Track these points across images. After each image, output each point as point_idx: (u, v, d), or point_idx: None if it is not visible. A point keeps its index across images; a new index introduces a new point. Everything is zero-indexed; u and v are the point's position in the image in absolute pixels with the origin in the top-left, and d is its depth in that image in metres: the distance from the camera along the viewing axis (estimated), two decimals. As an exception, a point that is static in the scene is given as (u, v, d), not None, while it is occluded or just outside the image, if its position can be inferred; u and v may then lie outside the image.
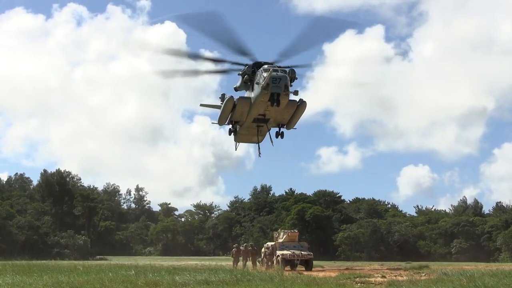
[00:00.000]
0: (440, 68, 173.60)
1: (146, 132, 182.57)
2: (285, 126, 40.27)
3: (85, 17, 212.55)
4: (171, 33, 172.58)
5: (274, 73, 34.35)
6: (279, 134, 40.61)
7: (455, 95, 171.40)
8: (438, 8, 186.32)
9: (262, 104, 36.44)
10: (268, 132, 41.11)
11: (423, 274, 25.88)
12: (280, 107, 36.07)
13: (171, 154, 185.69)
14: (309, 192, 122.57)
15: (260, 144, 42.25)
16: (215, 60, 40.20)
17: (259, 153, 42.60)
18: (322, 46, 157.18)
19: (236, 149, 44.88)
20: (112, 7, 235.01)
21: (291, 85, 35.82)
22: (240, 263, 41.07)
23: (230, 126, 40.87)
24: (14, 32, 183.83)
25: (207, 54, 41.75)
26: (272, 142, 41.19)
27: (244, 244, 46.33)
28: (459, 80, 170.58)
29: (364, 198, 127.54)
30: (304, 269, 38.23)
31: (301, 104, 38.56)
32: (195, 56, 41.84)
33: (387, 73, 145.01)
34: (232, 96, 38.61)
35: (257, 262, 41.34)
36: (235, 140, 43.01)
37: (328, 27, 41.38)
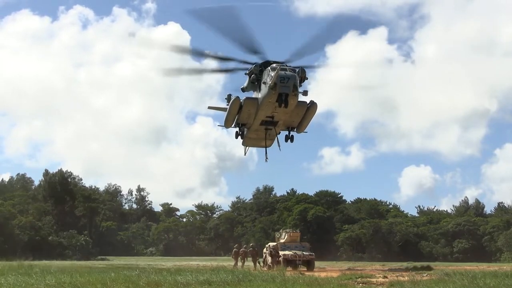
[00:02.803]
0: (442, 70, 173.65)
1: (149, 133, 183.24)
2: (295, 129, 38.36)
3: (90, 20, 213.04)
4: (175, 34, 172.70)
5: (282, 72, 32.50)
6: (289, 138, 38.71)
7: (457, 96, 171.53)
8: (439, 10, 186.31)
9: (270, 105, 34.62)
10: (276, 137, 38.97)
11: (425, 275, 25.85)
12: (289, 109, 34.21)
13: (174, 155, 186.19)
14: (311, 192, 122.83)
15: (267, 148, 40.29)
16: (221, 58, 38.35)
17: (266, 158, 40.46)
18: (324, 47, 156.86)
19: (245, 154, 43.35)
20: (118, 10, 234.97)
21: (300, 85, 34.06)
22: (239, 264, 40.86)
23: (237, 128, 38.87)
24: (20, 33, 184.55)
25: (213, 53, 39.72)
26: (279, 146, 39.08)
27: (244, 245, 45.97)
28: (461, 82, 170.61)
29: (365, 199, 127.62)
30: (305, 269, 38.21)
31: (312, 106, 36.64)
32: (201, 54, 40.24)
33: (389, 75, 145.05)
34: (238, 97, 36.96)
35: (258, 263, 41.14)
36: (243, 144, 41.15)
37: (345, 26, 39.84)
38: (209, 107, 47.18)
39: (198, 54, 40.57)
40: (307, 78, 35.12)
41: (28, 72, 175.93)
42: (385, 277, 25.69)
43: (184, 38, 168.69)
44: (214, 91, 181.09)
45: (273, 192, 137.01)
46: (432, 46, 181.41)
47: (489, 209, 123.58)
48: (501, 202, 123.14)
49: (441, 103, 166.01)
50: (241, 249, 42.74)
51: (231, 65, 37.87)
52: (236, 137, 39.39)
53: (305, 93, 35.00)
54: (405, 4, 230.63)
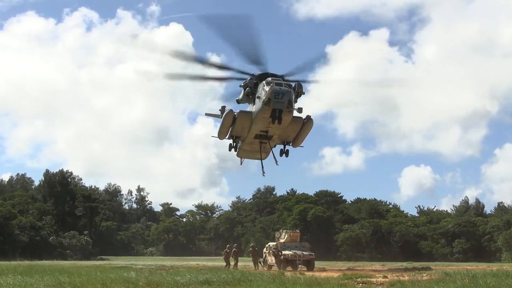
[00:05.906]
0: (442, 71, 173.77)
1: (151, 134, 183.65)
2: (290, 144, 37.44)
3: (95, 22, 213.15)
4: (177, 35, 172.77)
5: (277, 87, 31.41)
6: (284, 152, 37.72)
7: (457, 97, 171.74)
8: (439, 11, 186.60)
9: (264, 120, 33.56)
10: (271, 151, 37.73)
11: (425, 275, 25.80)
12: (283, 124, 33.13)
13: (176, 155, 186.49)
14: (311, 192, 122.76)
15: (263, 160, 38.95)
16: (220, 67, 37.71)
17: (263, 172, 39.06)
18: (325, 48, 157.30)
19: (241, 164, 42.23)
20: (123, 12, 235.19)
21: (296, 101, 33.00)
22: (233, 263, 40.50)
23: (231, 141, 37.87)
24: (24, 35, 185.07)
25: (214, 58, 39.27)
26: (276, 161, 37.46)
27: (228, 245, 44.84)
28: (461, 83, 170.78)
29: (365, 198, 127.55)
30: (305, 269, 38.17)
31: (308, 122, 35.88)
32: (200, 61, 38.97)
33: (390, 75, 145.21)
34: (231, 110, 36.09)
35: (259, 263, 41.04)
36: (237, 156, 40.35)
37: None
38: (206, 114, 45.99)
39: (198, 60, 38.77)
40: (304, 93, 34.02)
41: (31, 73, 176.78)
42: (385, 277, 25.63)
43: (186, 39, 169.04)
44: (217, 93, 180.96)
45: (274, 192, 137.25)
46: (433, 47, 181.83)
47: (489, 209, 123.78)
48: (501, 202, 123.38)
49: (441, 104, 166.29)
50: (224, 250, 41.93)
51: (229, 73, 37.02)
52: (230, 150, 38.37)
53: (299, 110, 33.31)
54: (405, 5, 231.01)
